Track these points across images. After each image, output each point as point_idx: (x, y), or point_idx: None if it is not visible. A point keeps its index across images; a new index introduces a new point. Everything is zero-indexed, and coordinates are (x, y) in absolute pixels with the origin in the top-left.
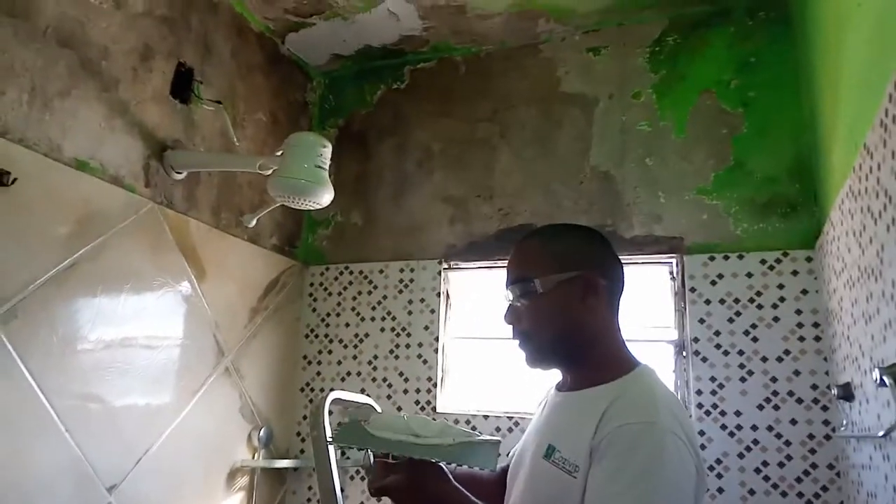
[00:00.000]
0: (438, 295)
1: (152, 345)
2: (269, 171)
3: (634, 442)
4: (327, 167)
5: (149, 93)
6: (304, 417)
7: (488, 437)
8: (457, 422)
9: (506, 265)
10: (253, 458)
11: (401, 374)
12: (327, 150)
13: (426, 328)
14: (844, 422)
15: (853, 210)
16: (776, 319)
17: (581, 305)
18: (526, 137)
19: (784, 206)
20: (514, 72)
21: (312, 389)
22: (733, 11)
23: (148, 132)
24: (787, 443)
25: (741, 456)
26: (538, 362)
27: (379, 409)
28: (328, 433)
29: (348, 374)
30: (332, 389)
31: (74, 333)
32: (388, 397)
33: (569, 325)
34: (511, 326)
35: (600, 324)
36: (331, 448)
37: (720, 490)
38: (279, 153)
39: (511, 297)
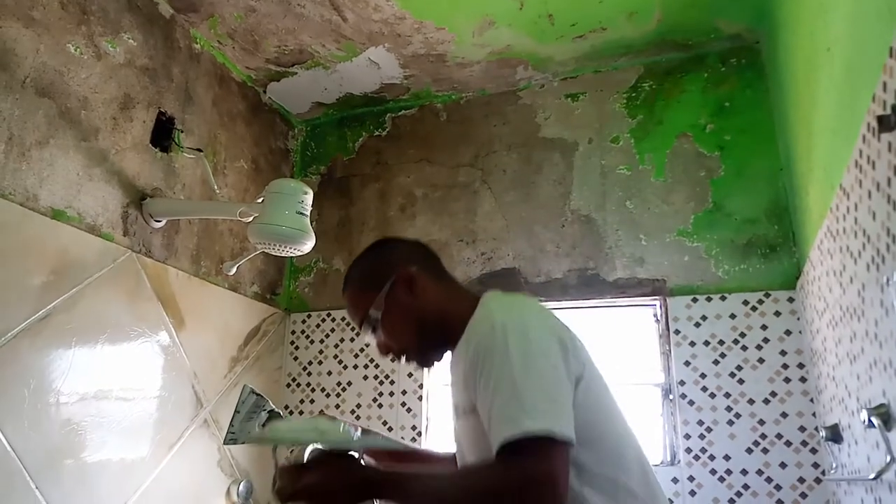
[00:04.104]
0: None
1: (128, 397)
2: (250, 219)
3: (485, 351)
4: (309, 213)
5: (129, 142)
6: None
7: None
8: None
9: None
10: None
11: (385, 422)
12: (309, 197)
13: (410, 375)
14: (834, 464)
15: (832, 250)
16: (761, 361)
17: (412, 298)
18: (507, 182)
19: (764, 247)
20: (494, 118)
21: None
22: (706, 58)
23: (127, 181)
24: (778, 487)
25: (732, 502)
26: (427, 361)
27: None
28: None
29: None
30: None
31: (47, 387)
32: None
33: (417, 317)
34: (389, 355)
35: (437, 297)
36: None
37: None
38: (260, 200)
39: (370, 336)
